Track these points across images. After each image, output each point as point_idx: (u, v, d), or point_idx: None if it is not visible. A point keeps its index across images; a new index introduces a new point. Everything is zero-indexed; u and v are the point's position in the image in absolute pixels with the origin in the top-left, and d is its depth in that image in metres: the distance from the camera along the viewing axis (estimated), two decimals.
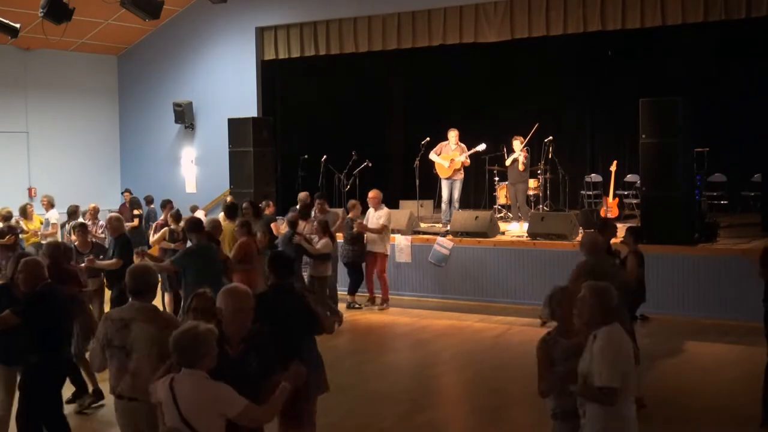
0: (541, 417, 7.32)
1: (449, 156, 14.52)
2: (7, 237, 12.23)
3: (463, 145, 14.61)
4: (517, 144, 14.88)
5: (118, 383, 5.08)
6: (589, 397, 4.66)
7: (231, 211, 11.94)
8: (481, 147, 14.73)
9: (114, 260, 9.82)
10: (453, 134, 14.66)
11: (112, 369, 5.11)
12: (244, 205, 12.00)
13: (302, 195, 13.34)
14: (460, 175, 14.66)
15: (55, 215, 14.20)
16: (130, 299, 5.26)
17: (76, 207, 13.75)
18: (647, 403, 7.50)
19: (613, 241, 9.08)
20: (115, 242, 10.03)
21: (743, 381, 8.92)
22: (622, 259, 9.12)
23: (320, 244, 11.15)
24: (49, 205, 14.53)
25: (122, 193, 17.68)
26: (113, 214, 11.11)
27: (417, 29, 14.95)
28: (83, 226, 10.89)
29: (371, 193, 12.97)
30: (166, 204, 13.70)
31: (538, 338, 5.16)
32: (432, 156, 14.72)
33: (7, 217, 12.99)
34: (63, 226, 14.14)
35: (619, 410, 4.60)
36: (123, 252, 9.89)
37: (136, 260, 9.25)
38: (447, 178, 14.66)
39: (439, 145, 14.74)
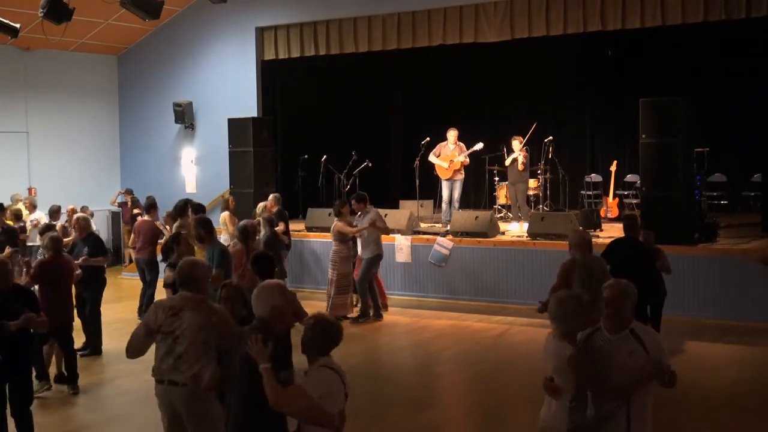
0: None
1: (448, 157, 14.52)
2: None
3: (461, 145, 14.62)
4: (517, 144, 14.89)
5: (161, 366, 5.36)
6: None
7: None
8: (479, 146, 14.74)
9: (101, 258, 10.10)
10: (452, 134, 14.66)
11: (159, 353, 5.39)
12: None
13: (274, 196, 13.24)
14: (461, 176, 14.66)
15: (42, 218, 14.03)
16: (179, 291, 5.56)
17: (58, 207, 13.81)
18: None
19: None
20: (83, 242, 10.08)
21: (743, 381, 8.94)
22: (653, 252, 9.25)
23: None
24: (32, 206, 14.44)
25: (123, 193, 17.64)
26: (80, 214, 11.26)
27: (417, 29, 14.93)
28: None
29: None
30: (155, 204, 13.51)
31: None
32: (431, 158, 14.72)
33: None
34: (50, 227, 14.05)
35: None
36: (99, 250, 10.09)
37: None
38: (447, 179, 14.66)
39: (438, 146, 14.74)
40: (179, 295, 5.50)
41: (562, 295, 4.93)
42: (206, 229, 8.82)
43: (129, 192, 17.49)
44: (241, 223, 9.81)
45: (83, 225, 10.27)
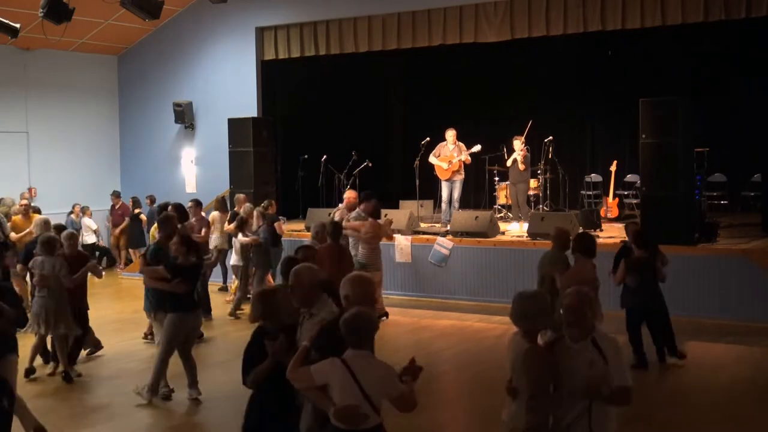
0: None
1: (447, 158, 14.53)
2: None
3: (461, 144, 14.62)
4: (518, 144, 14.90)
5: None
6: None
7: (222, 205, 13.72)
8: (476, 148, 14.73)
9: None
10: (450, 134, 14.66)
11: None
12: (169, 208, 11.16)
13: (241, 197, 13.87)
14: (460, 176, 14.66)
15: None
16: None
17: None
18: (645, 404, 7.49)
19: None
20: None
21: (743, 381, 8.93)
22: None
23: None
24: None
25: (111, 195, 17.53)
26: (42, 216, 11.31)
27: (417, 29, 14.93)
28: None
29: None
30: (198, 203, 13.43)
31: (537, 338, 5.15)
32: (431, 159, 14.73)
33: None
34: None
35: None
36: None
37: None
38: (447, 180, 14.66)
39: (437, 146, 14.75)
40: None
41: (525, 294, 4.84)
42: (160, 225, 9.27)
43: (117, 194, 17.44)
44: (330, 220, 10.42)
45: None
